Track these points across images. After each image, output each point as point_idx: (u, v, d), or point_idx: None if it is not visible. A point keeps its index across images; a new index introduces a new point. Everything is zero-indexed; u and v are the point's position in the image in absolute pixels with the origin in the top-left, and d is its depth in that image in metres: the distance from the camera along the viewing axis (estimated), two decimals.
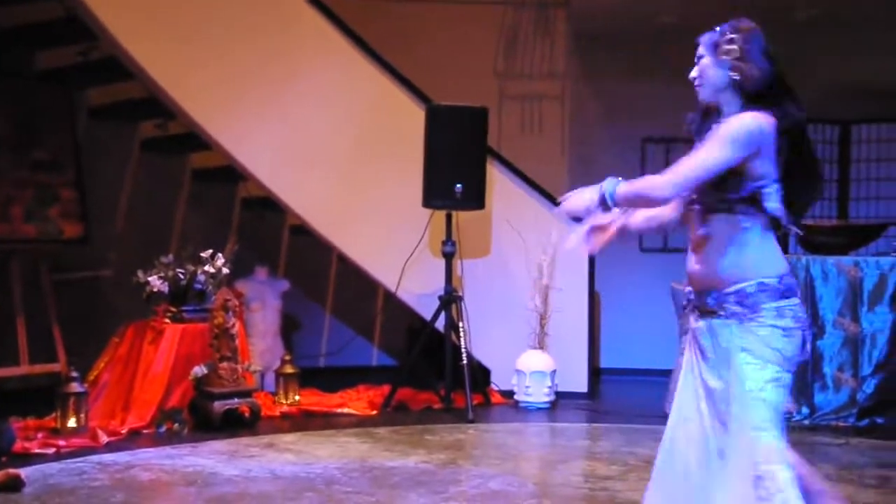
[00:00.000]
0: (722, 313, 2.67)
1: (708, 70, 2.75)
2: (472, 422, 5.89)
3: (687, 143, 2.85)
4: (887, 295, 5.94)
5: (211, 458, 4.92)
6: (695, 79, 2.78)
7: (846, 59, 7.63)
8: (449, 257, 6.34)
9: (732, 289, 2.65)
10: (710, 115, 2.76)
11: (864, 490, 4.44)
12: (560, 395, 6.55)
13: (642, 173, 2.95)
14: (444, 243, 6.34)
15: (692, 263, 2.74)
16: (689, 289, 2.79)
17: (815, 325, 6.01)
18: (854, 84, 7.67)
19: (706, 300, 2.71)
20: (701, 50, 2.79)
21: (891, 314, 5.92)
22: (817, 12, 7.30)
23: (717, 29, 2.79)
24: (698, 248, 2.71)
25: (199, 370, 5.53)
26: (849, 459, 5.07)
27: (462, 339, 6.20)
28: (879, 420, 5.89)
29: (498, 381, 6.78)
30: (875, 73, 7.65)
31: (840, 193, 7.48)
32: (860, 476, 4.70)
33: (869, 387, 5.93)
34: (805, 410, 5.98)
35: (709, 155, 2.61)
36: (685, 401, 2.78)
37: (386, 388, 6.39)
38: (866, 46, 7.58)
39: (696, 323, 2.75)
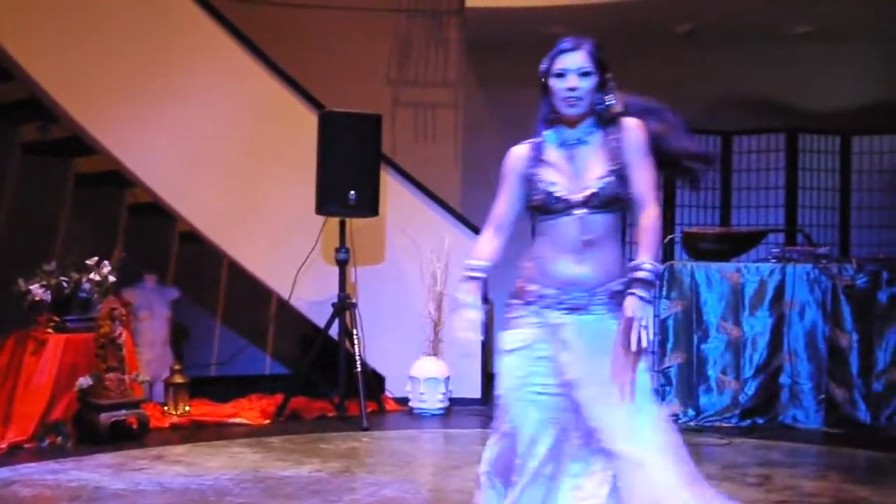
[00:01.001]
0: (596, 309, 2.82)
1: (592, 91, 2.87)
2: (366, 429, 5.88)
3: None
4: (767, 300, 6.17)
5: (97, 471, 4.78)
6: (576, 91, 2.83)
7: (726, 73, 7.92)
8: (342, 264, 6.32)
9: (607, 287, 2.83)
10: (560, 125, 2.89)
11: (746, 488, 4.60)
12: (454, 402, 6.59)
13: None
14: (337, 250, 6.31)
15: (569, 266, 2.83)
16: (548, 289, 2.85)
17: (700, 329, 6.21)
18: (734, 96, 7.97)
19: (579, 298, 2.83)
20: (587, 64, 2.85)
21: (770, 318, 6.16)
22: (696, 26, 7.55)
23: (594, 43, 2.89)
24: (578, 252, 2.82)
25: (84, 381, 5.37)
26: (731, 459, 5.24)
27: (356, 347, 6.18)
28: (760, 420, 6.11)
29: (392, 389, 6.78)
30: (754, 86, 7.96)
31: (722, 202, 7.74)
32: (742, 475, 4.87)
33: (750, 388, 6.14)
34: (691, 412, 6.15)
35: (651, 166, 2.89)
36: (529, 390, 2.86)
37: (279, 397, 6.32)
38: (745, 60, 7.89)
39: (561, 318, 2.83)
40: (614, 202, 2.86)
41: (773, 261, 6.26)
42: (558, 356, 2.83)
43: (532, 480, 2.82)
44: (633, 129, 2.89)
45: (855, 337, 6.01)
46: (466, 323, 2.88)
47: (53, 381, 5.41)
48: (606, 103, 2.89)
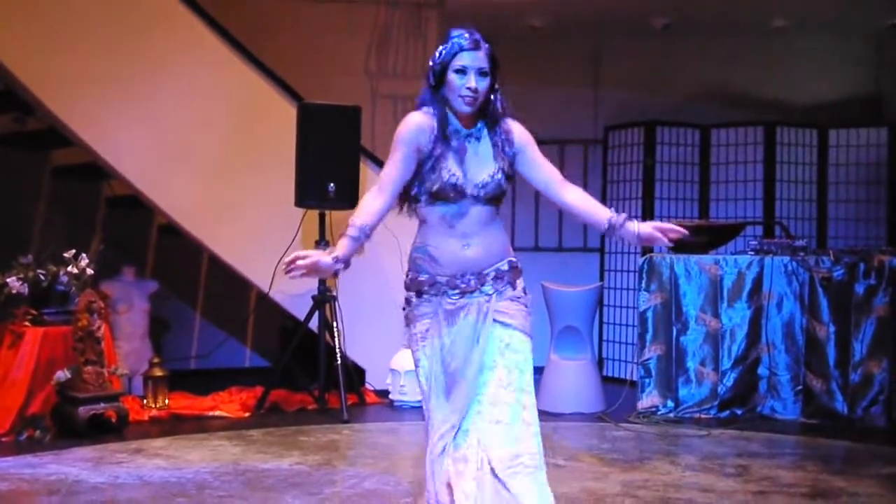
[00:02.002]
0: (486, 289, 2.94)
1: (486, 92, 2.94)
2: (346, 422, 5.88)
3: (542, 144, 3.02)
4: (745, 291, 6.21)
5: (75, 465, 4.75)
6: (475, 92, 2.89)
7: (704, 66, 7.96)
8: None
9: (493, 268, 2.96)
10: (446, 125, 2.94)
11: (724, 479, 4.64)
12: None
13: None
14: (317, 243, 6.30)
15: (457, 251, 2.92)
16: (440, 276, 2.93)
17: (679, 321, 6.24)
18: (712, 90, 8.01)
19: (470, 281, 2.93)
20: (486, 65, 2.92)
21: (748, 310, 6.20)
22: (674, 20, 7.58)
23: (487, 44, 2.95)
24: (466, 238, 2.92)
25: (63, 375, 5.34)
26: (710, 450, 5.28)
27: (336, 339, 6.18)
28: (739, 411, 6.15)
29: (372, 381, 6.78)
30: (732, 79, 8.00)
31: (701, 195, 7.78)
32: (721, 465, 4.91)
33: (729, 380, 6.18)
34: (670, 404, 6.19)
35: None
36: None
37: (259, 390, 6.31)
38: (723, 54, 7.93)
39: (449, 301, 2.93)
40: (500, 197, 2.97)
41: (752, 253, 6.30)
42: (448, 341, 2.91)
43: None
44: (519, 127, 3.03)
45: (832, 328, 6.06)
46: (310, 261, 2.86)
47: (31, 375, 5.38)
48: (496, 105, 2.98)
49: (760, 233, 7.24)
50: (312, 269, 2.87)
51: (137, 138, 6.36)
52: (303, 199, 6.22)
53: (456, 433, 2.87)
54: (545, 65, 7.92)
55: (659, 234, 3.02)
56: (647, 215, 7.52)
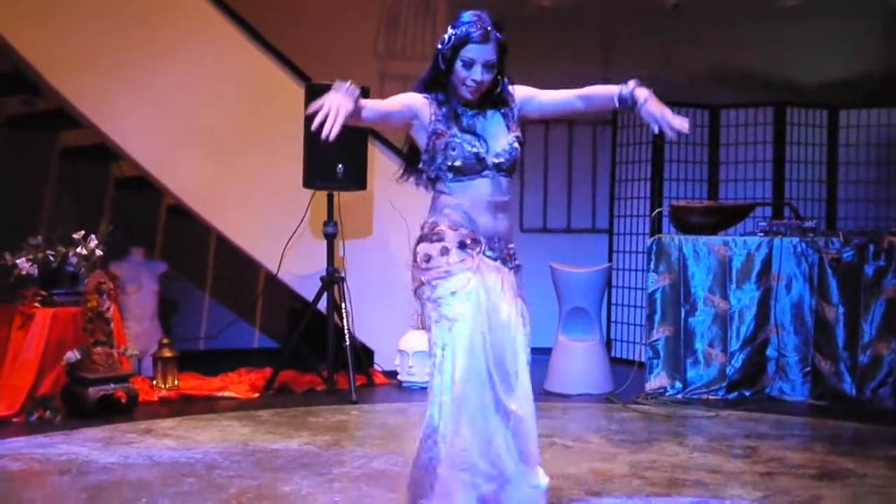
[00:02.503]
0: (509, 264, 3.08)
1: (492, 80, 3.02)
2: (355, 403, 5.89)
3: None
4: (754, 273, 6.19)
5: (85, 445, 4.78)
6: (479, 84, 2.97)
7: (714, 46, 7.91)
8: (331, 238, 6.30)
9: (511, 247, 3.11)
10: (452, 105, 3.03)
11: (732, 460, 4.65)
12: None
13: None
14: (325, 224, 6.30)
15: (489, 220, 3.02)
16: (478, 235, 3.01)
17: (688, 302, 6.24)
18: (722, 70, 7.96)
19: (501, 249, 3.06)
20: (494, 57, 2.98)
21: (757, 291, 6.18)
22: (684, 0, 7.53)
23: (497, 34, 3.00)
24: (493, 210, 3.03)
25: (72, 355, 5.36)
26: (718, 431, 5.28)
27: (344, 321, 6.19)
28: (747, 393, 6.15)
29: (381, 362, 6.80)
30: (742, 60, 7.95)
31: (710, 175, 7.74)
32: (729, 447, 4.91)
33: (737, 361, 6.18)
34: (678, 385, 6.19)
35: None
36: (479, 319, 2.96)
37: (268, 371, 6.33)
38: (733, 33, 7.87)
39: (494, 262, 3.02)
40: (515, 167, 3.08)
41: (761, 234, 6.28)
42: (486, 300, 2.96)
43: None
44: (519, 88, 3.14)
45: (841, 310, 6.04)
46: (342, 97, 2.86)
47: (41, 356, 5.39)
48: (502, 91, 3.08)
49: (770, 214, 7.21)
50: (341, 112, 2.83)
51: (146, 119, 6.36)
52: (311, 181, 6.21)
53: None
54: (554, 45, 7.88)
55: (658, 121, 2.99)
56: (656, 196, 7.51)
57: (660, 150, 7.58)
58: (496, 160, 3.01)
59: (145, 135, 6.40)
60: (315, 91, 6.17)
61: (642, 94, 3.02)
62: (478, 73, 2.95)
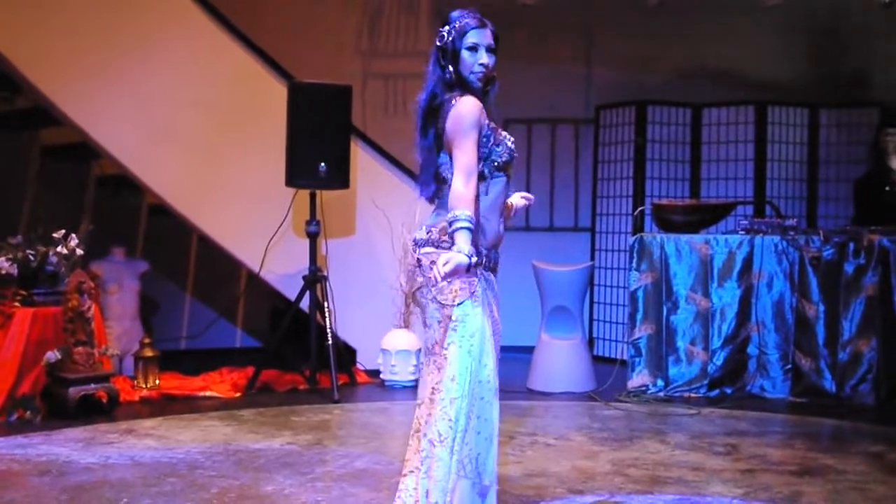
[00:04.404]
0: (497, 272, 3.12)
1: (493, 66, 3.06)
2: (337, 402, 5.89)
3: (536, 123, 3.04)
4: (735, 271, 6.22)
5: (66, 446, 4.75)
6: (487, 67, 3.02)
7: (696, 45, 7.94)
8: (313, 237, 6.29)
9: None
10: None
11: (714, 457, 4.67)
12: None
13: None
14: (308, 223, 6.28)
15: (498, 226, 3.08)
16: (483, 247, 3.02)
17: (670, 300, 6.26)
18: (704, 69, 7.99)
19: (496, 257, 3.11)
20: (492, 41, 3.04)
21: (739, 289, 6.21)
22: None
23: (490, 22, 3.07)
24: (502, 214, 3.10)
25: (53, 355, 5.33)
26: (700, 429, 5.31)
27: (327, 319, 6.17)
28: (728, 390, 6.18)
29: (363, 361, 6.79)
30: (723, 59, 7.98)
31: (692, 174, 7.77)
32: (710, 444, 4.93)
33: (719, 359, 6.21)
34: (660, 383, 6.21)
35: None
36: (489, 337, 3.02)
37: (250, 370, 6.31)
38: (715, 33, 7.90)
39: (491, 276, 3.07)
40: None
41: (742, 233, 6.32)
42: (491, 299, 3.05)
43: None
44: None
45: (822, 307, 6.08)
46: (453, 267, 2.83)
47: (21, 356, 5.35)
48: (495, 80, 3.10)
49: (751, 212, 7.25)
50: (456, 272, 2.87)
51: (127, 118, 6.33)
52: (293, 179, 6.20)
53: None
54: (536, 44, 7.89)
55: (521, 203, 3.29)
56: (639, 195, 7.53)
57: (642, 148, 7.61)
58: (516, 155, 3.14)
59: (127, 133, 6.37)
60: (298, 89, 6.19)
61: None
62: (484, 57, 3.00)
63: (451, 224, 2.88)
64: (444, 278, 2.83)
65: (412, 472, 2.97)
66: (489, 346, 3.00)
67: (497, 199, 3.06)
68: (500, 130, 3.05)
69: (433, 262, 2.93)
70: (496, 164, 3.02)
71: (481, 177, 3.00)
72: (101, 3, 6.29)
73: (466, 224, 2.86)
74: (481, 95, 3.03)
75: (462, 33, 3.00)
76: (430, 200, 3.09)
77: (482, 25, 3.03)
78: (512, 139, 3.09)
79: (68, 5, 6.21)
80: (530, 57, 7.80)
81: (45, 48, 6.12)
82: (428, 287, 2.98)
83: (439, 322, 2.98)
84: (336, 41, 7.79)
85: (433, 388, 2.96)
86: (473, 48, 3.00)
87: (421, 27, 7.98)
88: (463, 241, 2.86)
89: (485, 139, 2.99)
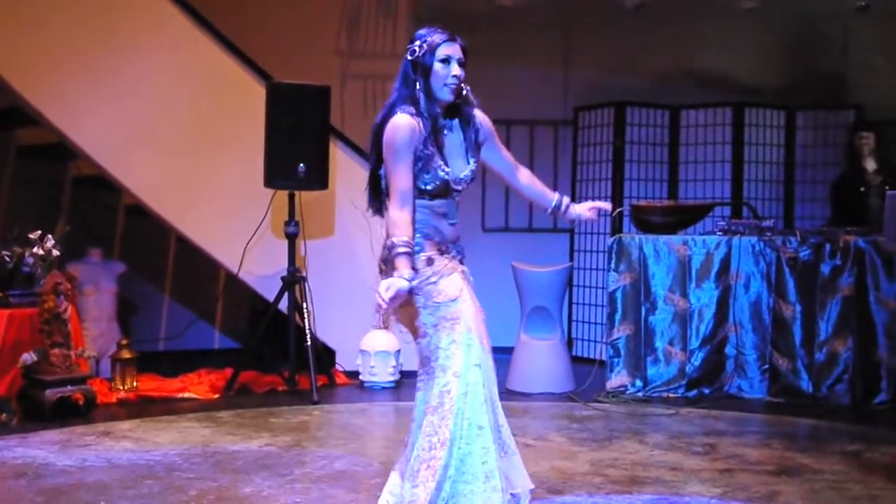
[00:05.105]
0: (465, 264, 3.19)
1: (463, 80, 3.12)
2: (316, 403, 5.87)
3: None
4: (713, 272, 6.26)
5: (42, 448, 4.72)
6: (459, 79, 3.07)
7: (674, 47, 7.98)
8: (292, 238, 6.27)
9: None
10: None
11: (692, 457, 4.69)
12: (405, 375, 6.59)
13: None
14: (286, 224, 6.26)
15: (449, 230, 3.12)
16: (450, 245, 3.12)
17: (648, 301, 6.28)
18: (682, 71, 8.03)
19: (461, 248, 3.18)
20: (462, 55, 3.09)
21: (716, 290, 6.25)
22: (646, 1, 7.58)
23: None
24: (452, 217, 3.13)
25: (29, 357, 5.29)
26: (678, 429, 5.33)
27: (306, 321, 6.16)
28: (706, 391, 6.21)
29: (343, 362, 6.78)
30: (702, 61, 8.03)
31: (670, 175, 7.81)
32: (689, 444, 4.95)
33: (697, 359, 6.24)
34: (639, 383, 6.24)
35: None
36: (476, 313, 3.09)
37: (228, 372, 6.28)
38: (693, 35, 7.95)
39: (462, 266, 3.15)
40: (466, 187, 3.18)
41: (720, 234, 6.35)
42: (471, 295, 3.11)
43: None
44: (484, 116, 3.23)
45: (798, 308, 6.12)
46: (395, 292, 2.89)
47: None
48: (468, 96, 3.14)
49: (728, 213, 7.29)
50: (398, 297, 2.92)
51: (103, 117, 6.29)
52: (272, 180, 6.18)
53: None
54: (515, 45, 7.90)
55: (591, 214, 3.43)
56: (617, 196, 7.56)
57: (620, 150, 7.63)
58: (459, 185, 3.12)
59: (104, 133, 6.33)
60: (276, 90, 6.17)
61: (575, 210, 3.41)
62: (457, 69, 3.05)
63: (389, 251, 2.96)
64: (388, 305, 2.88)
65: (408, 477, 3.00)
66: (483, 332, 3.08)
67: (438, 215, 3.09)
68: (436, 158, 3.03)
69: (413, 269, 2.99)
70: (421, 189, 3.04)
71: (423, 192, 3.05)
72: (78, 3, 6.24)
73: (404, 250, 2.94)
74: (438, 112, 3.05)
75: (433, 47, 3.05)
76: (376, 213, 3.18)
77: (452, 39, 3.08)
78: (447, 170, 3.05)
79: (45, 6, 6.16)
80: (509, 58, 7.81)
81: (22, 48, 6.07)
82: (419, 287, 3.00)
83: (435, 325, 3.02)
84: (315, 42, 7.77)
85: (445, 391, 2.98)
86: (446, 60, 3.04)
87: (399, 29, 7.97)
88: (403, 265, 2.92)
89: (418, 162, 3.01)
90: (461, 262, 3.16)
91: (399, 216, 2.97)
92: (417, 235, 3.04)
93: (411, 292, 2.97)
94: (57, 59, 6.17)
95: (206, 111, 6.55)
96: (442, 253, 3.07)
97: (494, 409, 3.04)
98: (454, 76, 3.04)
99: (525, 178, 3.37)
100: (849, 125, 7.51)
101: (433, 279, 3.02)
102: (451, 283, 3.04)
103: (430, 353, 3.04)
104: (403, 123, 2.99)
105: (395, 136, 2.99)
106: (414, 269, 2.97)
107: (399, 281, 2.90)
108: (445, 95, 3.06)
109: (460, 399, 2.96)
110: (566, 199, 3.37)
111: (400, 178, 2.98)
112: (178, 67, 6.53)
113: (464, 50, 3.09)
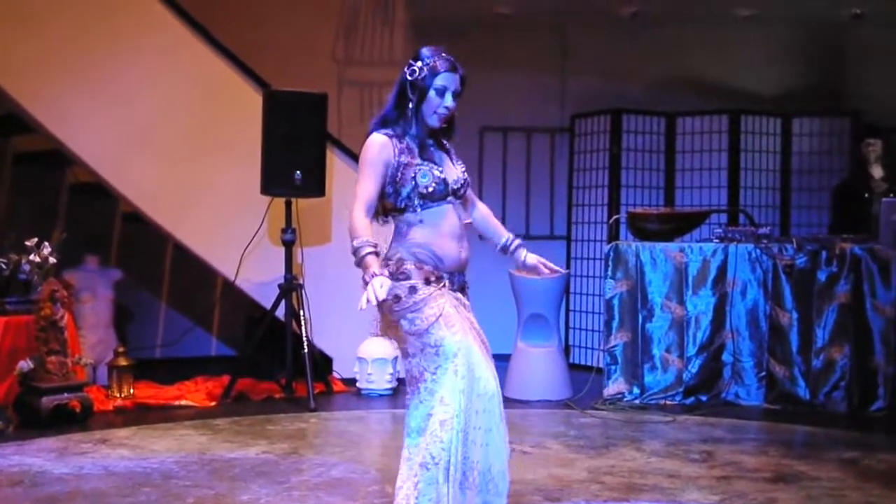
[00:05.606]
0: (466, 295, 3.24)
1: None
2: (313, 410, 5.87)
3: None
4: (710, 279, 6.26)
5: (39, 456, 4.71)
6: (450, 110, 3.14)
7: (670, 55, 8.00)
8: (289, 245, 6.27)
9: (466, 279, 3.27)
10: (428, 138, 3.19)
11: (689, 464, 4.69)
12: (402, 382, 6.58)
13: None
14: (283, 231, 6.26)
15: (456, 252, 3.16)
16: (441, 272, 3.14)
17: (645, 308, 6.29)
18: (678, 78, 8.05)
19: (461, 280, 3.22)
20: (459, 86, 3.14)
21: (713, 297, 6.25)
22: (641, 9, 7.61)
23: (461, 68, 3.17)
24: (462, 239, 3.19)
25: (25, 365, 5.28)
26: (675, 436, 5.33)
27: (303, 328, 6.15)
28: (703, 398, 6.21)
29: (340, 369, 6.77)
30: (698, 68, 8.05)
31: (666, 182, 7.82)
32: (686, 451, 4.95)
33: (694, 366, 6.24)
34: (636, 391, 6.24)
35: None
36: (467, 333, 3.12)
37: (225, 379, 6.27)
38: (690, 42, 7.97)
39: (456, 294, 3.18)
40: (466, 194, 3.26)
41: (716, 241, 6.35)
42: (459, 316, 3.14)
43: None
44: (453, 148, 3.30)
45: (795, 315, 6.13)
46: (380, 289, 2.95)
47: None
48: (452, 125, 3.23)
49: (725, 221, 7.29)
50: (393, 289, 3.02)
51: (100, 125, 6.29)
52: (269, 187, 6.18)
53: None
54: (512, 52, 7.92)
55: (541, 267, 3.39)
56: (614, 203, 7.56)
57: (616, 157, 7.64)
58: (454, 186, 3.17)
59: (100, 140, 6.33)
60: (273, 97, 6.18)
61: (522, 254, 3.40)
62: (450, 101, 3.11)
63: (355, 254, 3.04)
64: (385, 298, 2.96)
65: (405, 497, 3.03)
66: (477, 358, 3.07)
67: (442, 226, 3.13)
68: (414, 164, 3.09)
69: (397, 296, 3.05)
70: (422, 193, 3.09)
71: (406, 208, 3.11)
72: (75, 9, 6.25)
73: (370, 250, 3.02)
74: (423, 134, 3.13)
75: (434, 73, 3.10)
76: (373, 220, 3.21)
77: (454, 70, 3.12)
78: (440, 168, 3.13)
79: (42, 12, 6.16)
80: (506, 66, 7.83)
81: (19, 55, 6.08)
82: (402, 314, 3.06)
83: (422, 350, 3.06)
84: (312, 48, 7.78)
85: (429, 414, 3.02)
86: (442, 91, 3.09)
87: (396, 36, 7.99)
88: (373, 264, 3.01)
89: (395, 174, 3.09)
90: (460, 291, 3.18)
91: (362, 220, 3.07)
92: (408, 263, 3.09)
93: (396, 317, 3.06)
94: (53, 66, 6.17)
95: (203, 118, 6.56)
96: (429, 283, 3.08)
97: (466, 443, 3.03)
98: (446, 107, 3.11)
99: (481, 213, 3.44)
100: (848, 132, 7.52)
101: (416, 307, 3.06)
102: (433, 310, 3.06)
103: (417, 375, 3.09)
104: (376, 141, 3.12)
105: (367, 151, 3.13)
106: (396, 296, 3.03)
107: (386, 280, 2.97)
108: (433, 122, 3.14)
109: (442, 425, 2.99)
110: (517, 241, 3.41)
111: (366, 188, 3.11)
112: (175, 74, 6.54)
113: (462, 80, 3.13)
